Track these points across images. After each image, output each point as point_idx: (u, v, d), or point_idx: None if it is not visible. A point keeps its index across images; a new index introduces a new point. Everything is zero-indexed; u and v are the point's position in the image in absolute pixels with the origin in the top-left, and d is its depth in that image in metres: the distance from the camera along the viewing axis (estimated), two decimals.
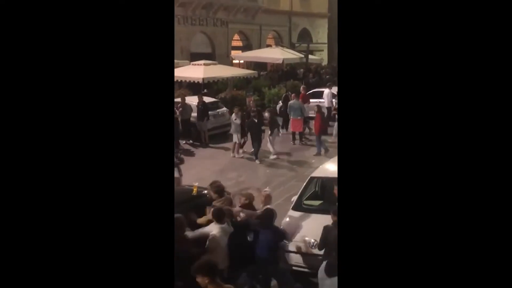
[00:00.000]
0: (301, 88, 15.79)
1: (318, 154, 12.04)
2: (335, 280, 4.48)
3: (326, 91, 15.70)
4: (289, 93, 15.66)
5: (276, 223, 5.60)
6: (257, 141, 11.71)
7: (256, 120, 11.70)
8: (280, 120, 13.55)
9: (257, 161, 11.71)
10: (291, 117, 13.31)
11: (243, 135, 12.17)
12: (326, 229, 5.16)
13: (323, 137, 12.47)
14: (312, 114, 13.16)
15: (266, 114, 12.53)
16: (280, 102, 16.61)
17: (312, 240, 5.74)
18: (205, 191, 6.19)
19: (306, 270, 5.80)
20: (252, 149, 11.94)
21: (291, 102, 13.51)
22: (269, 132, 12.07)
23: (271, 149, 12.03)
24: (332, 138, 12.69)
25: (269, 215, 5.37)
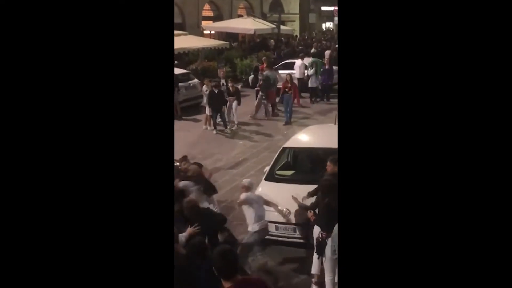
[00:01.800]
0: (263, 59, 15.70)
1: (287, 123, 12.37)
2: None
3: (298, 62, 15.68)
4: (258, 64, 15.61)
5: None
6: (216, 112, 11.80)
7: (216, 91, 11.68)
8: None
9: (213, 131, 11.86)
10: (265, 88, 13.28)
11: None
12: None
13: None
14: (278, 85, 13.30)
15: (230, 85, 12.54)
16: (252, 73, 16.54)
17: (285, 209, 5.82)
18: (177, 163, 6.19)
19: (277, 238, 5.91)
20: (219, 120, 11.99)
21: (265, 73, 13.47)
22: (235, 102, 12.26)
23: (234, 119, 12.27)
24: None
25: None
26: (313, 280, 5.09)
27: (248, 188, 5.72)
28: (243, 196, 5.58)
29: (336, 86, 12.87)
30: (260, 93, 13.16)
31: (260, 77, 13.66)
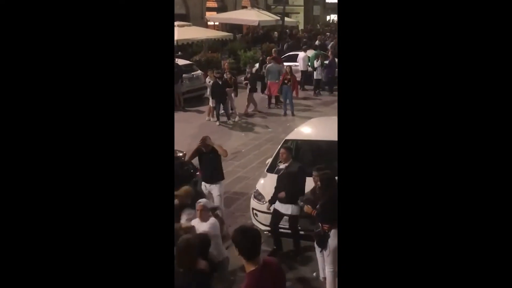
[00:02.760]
0: (272, 51, 15.67)
1: (285, 114, 12.53)
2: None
3: (301, 54, 15.64)
4: (264, 56, 15.57)
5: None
6: (219, 103, 11.83)
7: (220, 82, 11.67)
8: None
9: (217, 123, 11.92)
10: (269, 80, 13.26)
11: None
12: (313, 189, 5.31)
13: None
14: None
15: (228, 76, 12.42)
16: (256, 65, 16.48)
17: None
18: (180, 154, 6.22)
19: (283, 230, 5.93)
20: (222, 111, 12.00)
21: (269, 65, 13.44)
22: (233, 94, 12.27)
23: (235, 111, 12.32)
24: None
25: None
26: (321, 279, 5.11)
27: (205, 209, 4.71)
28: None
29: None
30: (249, 86, 12.96)
31: (248, 70, 13.45)
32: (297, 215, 5.59)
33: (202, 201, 4.79)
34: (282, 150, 5.93)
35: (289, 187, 5.56)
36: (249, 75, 13.34)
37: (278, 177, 5.78)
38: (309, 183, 5.48)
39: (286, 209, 5.60)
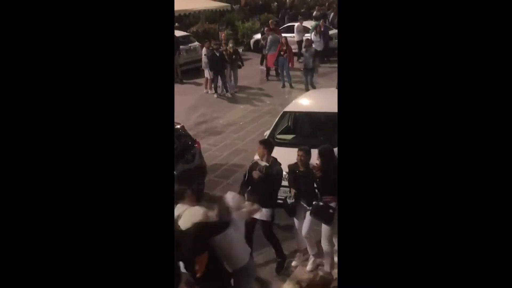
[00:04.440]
0: (269, 22, 15.46)
1: (284, 86, 12.49)
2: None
3: (296, 25, 15.49)
4: (264, 28, 15.39)
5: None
6: (217, 75, 11.71)
7: (218, 54, 11.50)
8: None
9: (214, 95, 11.80)
10: (268, 52, 13.11)
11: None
12: (290, 168, 5.10)
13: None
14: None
15: (223, 48, 12.14)
16: (254, 36, 16.31)
17: (284, 173, 5.86)
18: (178, 126, 6.23)
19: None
20: (220, 84, 11.92)
21: (268, 36, 13.28)
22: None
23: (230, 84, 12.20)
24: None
25: None
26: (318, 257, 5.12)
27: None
28: None
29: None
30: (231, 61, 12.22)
31: (230, 45, 12.44)
32: (270, 221, 5.02)
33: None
34: (260, 146, 5.07)
35: (264, 190, 4.88)
36: (232, 50, 12.29)
37: (249, 174, 5.09)
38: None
39: (260, 215, 4.80)
